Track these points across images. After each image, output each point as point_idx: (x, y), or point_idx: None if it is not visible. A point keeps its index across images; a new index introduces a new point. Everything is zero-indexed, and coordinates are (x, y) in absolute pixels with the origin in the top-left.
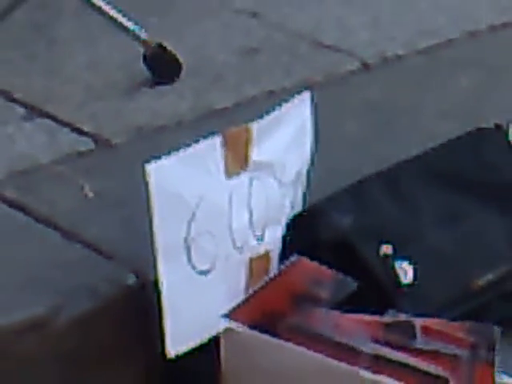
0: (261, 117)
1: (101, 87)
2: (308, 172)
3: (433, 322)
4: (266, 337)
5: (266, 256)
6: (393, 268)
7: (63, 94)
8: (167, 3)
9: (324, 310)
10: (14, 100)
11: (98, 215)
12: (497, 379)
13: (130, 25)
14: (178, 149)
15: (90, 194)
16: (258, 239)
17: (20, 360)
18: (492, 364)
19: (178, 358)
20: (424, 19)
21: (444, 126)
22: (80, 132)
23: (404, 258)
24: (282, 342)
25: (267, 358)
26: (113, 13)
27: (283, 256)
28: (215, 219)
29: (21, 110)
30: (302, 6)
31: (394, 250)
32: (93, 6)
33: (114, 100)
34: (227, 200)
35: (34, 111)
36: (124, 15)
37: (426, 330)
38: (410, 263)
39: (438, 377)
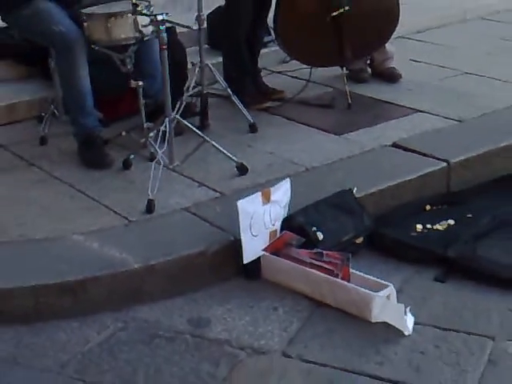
0: (273, 185)
1: (216, 180)
2: (289, 204)
3: (329, 252)
4: (276, 257)
5: (275, 231)
6: (316, 235)
7: (207, 179)
8: (244, 147)
9: (294, 248)
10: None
11: (221, 217)
12: (351, 271)
13: (229, 154)
14: (248, 195)
15: (218, 210)
16: (272, 225)
17: (194, 269)
18: (348, 266)
19: (248, 263)
20: (328, 154)
21: (334, 189)
22: (215, 190)
23: (320, 231)
24: (281, 259)
25: (277, 265)
26: (218, 146)
27: (281, 231)
28: (258, 219)
29: (196, 184)
30: (290, 151)
31: (317, 228)
32: (209, 142)
33: (224, 182)
34: (262, 212)
35: (199, 184)
36: (226, 149)
37: (327, 254)
38: (322, 233)
39: (334, 264)
